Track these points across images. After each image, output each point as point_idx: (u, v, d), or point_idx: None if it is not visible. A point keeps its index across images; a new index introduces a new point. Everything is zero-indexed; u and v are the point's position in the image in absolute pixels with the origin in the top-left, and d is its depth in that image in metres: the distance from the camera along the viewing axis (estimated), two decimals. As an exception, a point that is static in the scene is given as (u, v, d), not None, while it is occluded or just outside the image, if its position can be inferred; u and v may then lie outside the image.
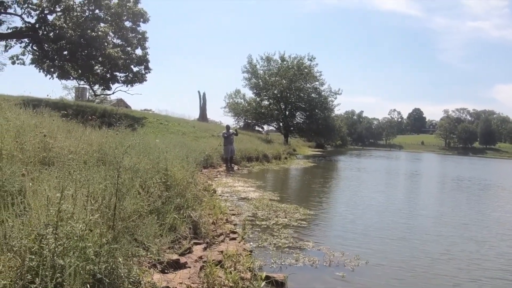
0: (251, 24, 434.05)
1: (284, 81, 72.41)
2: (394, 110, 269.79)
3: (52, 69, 43.30)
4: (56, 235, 4.66)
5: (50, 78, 43.90)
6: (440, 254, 11.20)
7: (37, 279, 4.32)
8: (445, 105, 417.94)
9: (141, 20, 45.61)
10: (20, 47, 41.79)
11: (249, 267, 8.40)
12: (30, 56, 42.49)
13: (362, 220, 15.32)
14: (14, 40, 41.40)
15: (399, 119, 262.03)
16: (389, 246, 11.82)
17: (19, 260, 4.50)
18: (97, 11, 42.99)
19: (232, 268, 7.99)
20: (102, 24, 43.24)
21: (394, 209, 18.41)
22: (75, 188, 5.73)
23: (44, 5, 39.83)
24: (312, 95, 75.11)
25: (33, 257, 4.49)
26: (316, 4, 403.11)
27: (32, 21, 40.36)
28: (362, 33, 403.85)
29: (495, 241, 13.23)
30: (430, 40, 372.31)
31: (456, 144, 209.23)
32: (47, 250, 4.51)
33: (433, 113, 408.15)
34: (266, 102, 77.29)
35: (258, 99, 76.93)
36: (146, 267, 6.47)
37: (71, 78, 47.31)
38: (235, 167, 31.57)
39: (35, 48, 41.84)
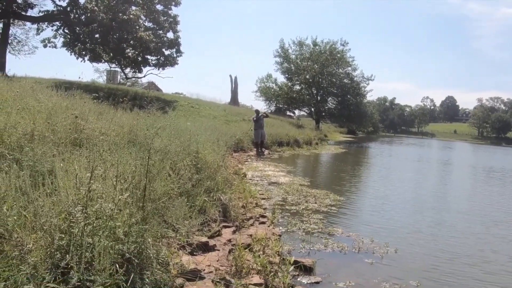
0: (283, 7, 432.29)
1: (316, 66, 72.05)
2: (427, 97, 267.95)
3: (83, 52, 43.62)
4: (86, 214, 4.67)
5: (81, 61, 44.34)
6: (469, 246, 11.08)
7: (67, 256, 4.33)
8: (479, 93, 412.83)
9: (173, 3, 45.69)
10: (52, 30, 42.16)
11: (278, 251, 8.39)
12: (62, 39, 42.80)
13: (392, 208, 15.21)
14: (46, 23, 41.75)
15: (432, 107, 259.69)
16: (419, 235, 11.71)
17: (49, 238, 4.52)
18: (128, -6, 43.10)
19: (261, 252, 7.98)
20: (133, 7, 43.37)
21: (425, 198, 18.27)
22: (104, 168, 5.74)
23: (76, -12, 40.04)
24: (344, 80, 74.74)
25: (63, 235, 4.51)
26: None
27: (64, 4, 40.60)
28: (395, 18, 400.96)
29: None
30: (465, 27, 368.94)
31: (489, 134, 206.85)
32: (76, 228, 4.52)
33: (466, 101, 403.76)
34: (297, 87, 77.20)
35: (289, 83, 76.80)
36: (175, 248, 6.47)
37: (103, 61, 47.66)
38: (266, 152, 31.53)
39: (66, 31, 42.10)
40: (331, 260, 8.91)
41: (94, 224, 4.67)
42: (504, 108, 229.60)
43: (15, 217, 4.73)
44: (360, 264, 8.85)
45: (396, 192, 18.65)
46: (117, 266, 4.56)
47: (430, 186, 22.64)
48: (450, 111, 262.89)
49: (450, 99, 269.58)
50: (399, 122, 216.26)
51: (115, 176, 5.68)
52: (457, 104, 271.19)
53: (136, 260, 4.87)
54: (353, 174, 25.06)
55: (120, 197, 5.14)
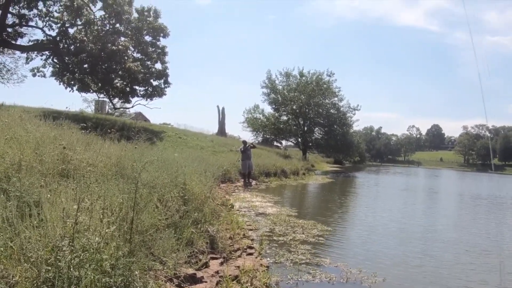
0: (269, 39, 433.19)
1: (303, 97, 72.48)
2: (413, 126, 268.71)
3: (72, 82, 43.69)
4: (72, 247, 4.67)
5: (70, 91, 44.31)
6: (458, 273, 11.11)
7: (53, 290, 4.32)
8: (464, 121, 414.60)
9: (161, 34, 45.91)
10: (41, 59, 42.20)
11: (266, 283, 8.38)
12: (51, 69, 42.88)
13: (379, 238, 15.24)
14: (35, 52, 41.79)
15: (418, 135, 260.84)
16: (407, 265, 11.72)
17: (36, 271, 4.52)
18: (117, 25, 43.30)
19: (249, 284, 7.98)
20: (122, 38, 43.60)
21: (412, 228, 18.26)
22: (91, 201, 5.74)
23: (65, 19, 40.27)
24: (331, 110, 75.16)
25: (50, 268, 4.50)
26: (334, 19, 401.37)
27: (53, 34, 40.77)
28: (380, 48, 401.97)
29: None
30: (450, 55, 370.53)
31: (475, 161, 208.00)
32: (63, 262, 4.51)
33: (452, 129, 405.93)
34: (284, 118, 77.45)
35: (276, 114, 77.03)
36: (162, 281, 6.45)
37: (91, 91, 47.62)
38: (253, 182, 31.50)
39: (55, 60, 42.20)
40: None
41: (81, 257, 4.67)
42: (489, 135, 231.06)
43: (1, 248, 4.73)
44: (348, 294, 8.85)
45: (383, 222, 18.66)
46: (104, 299, 4.55)
47: (417, 216, 22.62)
48: (436, 139, 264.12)
49: (435, 127, 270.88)
50: (385, 151, 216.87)
51: (102, 209, 5.69)
52: (442, 132, 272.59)
53: (123, 293, 4.86)
54: (340, 204, 25.05)
55: (106, 230, 5.13)
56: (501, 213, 26.65)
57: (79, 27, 41.33)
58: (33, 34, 41.39)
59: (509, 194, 45.17)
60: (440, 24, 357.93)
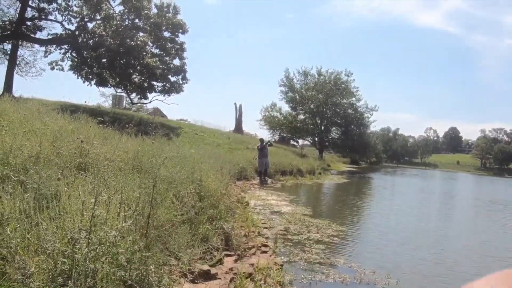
0: (287, 38, 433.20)
1: (321, 96, 72.36)
2: (431, 128, 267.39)
3: (90, 76, 43.79)
4: (89, 240, 4.69)
5: (88, 85, 44.40)
6: (471, 275, 11.02)
7: (69, 282, 4.33)
8: (482, 124, 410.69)
9: (180, 31, 45.95)
10: (60, 53, 42.28)
11: (279, 281, 8.37)
12: (69, 63, 42.99)
13: (394, 239, 15.21)
14: (54, 46, 41.89)
15: (435, 138, 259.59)
16: (421, 266, 11.70)
17: (52, 262, 4.53)
18: (136, 20, 43.39)
19: (262, 282, 7.98)
20: (141, 34, 43.63)
21: (428, 232, 18.21)
22: (109, 194, 5.76)
23: (85, 13, 40.34)
24: (348, 110, 74.94)
25: (66, 260, 4.52)
26: (352, 20, 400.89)
27: (72, 28, 40.87)
28: (399, 49, 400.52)
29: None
30: (468, 58, 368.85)
31: (492, 165, 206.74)
32: (79, 254, 4.53)
33: (469, 132, 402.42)
34: (302, 116, 77.23)
35: (294, 113, 76.89)
36: (176, 276, 6.47)
37: (109, 85, 47.74)
38: (269, 181, 31.45)
39: (74, 54, 42.32)
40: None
41: (97, 250, 4.69)
42: (507, 139, 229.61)
43: (19, 240, 4.75)
44: (361, 295, 8.83)
45: (398, 225, 18.58)
46: (119, 292, 4.57)
47: (432, 220, 22.48)
48: (453, 142, 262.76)
49: (453, 130, 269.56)
50: (402, 152, 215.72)
51: (119, 203, 5.70)
52: (460, 135, 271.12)
53: (138, 287, 4.88)
54: (355, 205, 24.98)
55: (123, 224, 5.15)
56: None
57: (98, 21, 41.37)
58: (52, 28, 41.39)
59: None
60: (460, 26, 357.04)
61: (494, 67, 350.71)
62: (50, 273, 4.49)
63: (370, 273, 10.28)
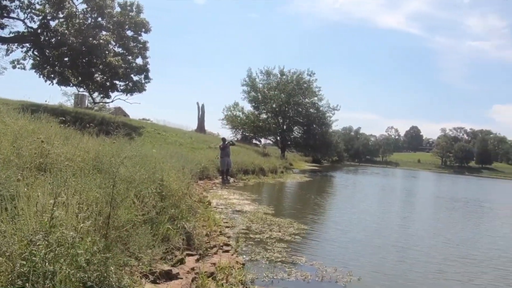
0: (252, 38, 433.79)
1: (283, 95, 72.66)
2: (392, 127, 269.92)
3: (52, 75, 43.41)
4: (48, 242, 4.66)
5: (50, 84, 44.04)
6: (433, 274, 11.20)
7: (27, 284, 4.31)
8: (443, 123, 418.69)
9: (143, 30, 45.80)
10: (22, 51, 41.91)
11: (241, 280, 8.41)
12: (31, 61, 42.64)
13: (356, 238, 15.34)
14: (16, 44, 41.49)
15: (396, 137, 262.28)
16: (382, 263, 11.85)
17: (10, 265, 4.50)
18: (99, 19, 43.12)
19: (224, 281, 8.01)
20: (104, 32, 43.39)
21: (388, 226, 18.46)
22: (68, 195, 5.74)
23: (47, 11, 40.00)
24: (310, 110, 75.31)
25: (24, 262, 4.49)
26: (316, 20, 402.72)
27: (35, 26, 40.52)
28: (362, 50, 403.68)
29: (486, 260, 13.25)
30: (430, 59, 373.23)
31: (452, 163, 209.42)
32: (38, 256, 4.50)
33: (430, 132, 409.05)
34: (264, 116, 77.37)
35: (256, 112, 77.07)
36: (137, 277, 6.46)
37: (71, 84, 47.37)
38: (231, 180, 31.50)
39: (36, 53, 41.95)
40: (294, 290, 8.94)
41: (56, 252, 4.67)
42: (467, 138, 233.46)
43: (-24, 242, 4.71)
44: (323, 293, 8.89)
45: (359, 223, 18.73)
46: (79, 294, 4.55)
47: (394, 218, 22.68)
48: (414, 141, 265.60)
49: (414, 129, 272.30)
50: (363, 151, 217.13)
51: (78, 203, 5.68)
52: (421, 134, 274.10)
53: (97, 288, 4.87)
54: (317, 203, 25.10)
55: (82, 225, 5.14)
56: (478, 217, 26.83)
57: (61, 20, 41.06)
58: (14, 25, 40.95)
59: (485, 197, 45.57)
60: (422, 28, 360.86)
61: (455, 68, 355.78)
62: (9, 275, 4.46)
63: (332, 271, 10.38)
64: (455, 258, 13.15)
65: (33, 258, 4.50)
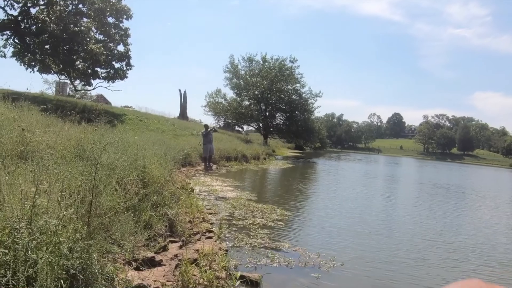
0: (233, 24, 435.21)
1: (265, 82, 72.69)
2: (374, 114, 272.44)
3: (33, 63, 43.20)
4: (30, 230, 4.65)
5: (30, 72, 43.93)
6: (416, 260, 11.27)
7: (8, 272, 4.30)
8: (425, 110, 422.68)
9: (124, 16, 45.62)
10: (2, 39, 41.67)
11: (225, 266, 8.41)
12: (12, 49, 42.38)
13: (338, 223, 15.40)
14: (-4, 32, 41.20)
15: (379, 123, 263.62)
16: (365, 249, 11.91)
17: (-7, 253, 4.48)
18: (80, 6, 42.94)
19: (208, 267, 8.01)
20: (85, 19, 43.22)
21: (371, 213, 18.51)
22: (50, 183, 5.71)
23: (27, -2, 39.69)
24: (293, 96, 75.41)
25: (7, 251, 4.47)
26: (298, 7, 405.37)
27: (15, 13, 40.28)
28: (344, 37, 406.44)
29: (469, 247, 13.35)
30: (412, 46, 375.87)
31: (435, 150, 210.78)
32: (20, 244, 4.49)
33: (412, 118, 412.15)
34: (246, 103, 77.37)
35: (238, 99, 76.97)
36: (120, 264, 6.46)
37: (52, 72, 47.21)
38: (214, 166, 31.54)
39: (16, 41, 41.69)
40: (277, 274, 8.97)
41: (39, 240, 4.65)
42: (448, 124, 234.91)
43: (-43, 231, 4.68)
44: (306, 278, 8.92)
45: (342, 209, 18.77)
46: (62, 282, 4.54)
47: (376, 204, 22.79)
48: (396, 127, 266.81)
49: (396, 116, 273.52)
50: (346, 138, 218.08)
51: (60, 191, 5.66)
52: (403, 120, 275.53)
53: (81, 276, 4.87)
54: (300, 190, 25.16)
55: (64, 212, 5.12)
56: (460, 203, 27.00)
57: (42, 7, 40.77)
58: (-6, 13, 40.78)
59: (467, 183, 45.89)
60: (404, 15, 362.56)
61: (437, 55, 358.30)
62: (-9, 264, 4.45)
63: (315, 256, 10.42)
64: (438, 245, 13.23)
65: (16, 246, 4.49)
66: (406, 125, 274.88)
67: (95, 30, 44.83)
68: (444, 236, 14.94)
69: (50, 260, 4.51)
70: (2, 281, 4.26)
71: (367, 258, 10.99)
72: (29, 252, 4.50)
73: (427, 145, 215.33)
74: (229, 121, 78.09)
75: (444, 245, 13.36)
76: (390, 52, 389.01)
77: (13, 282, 4.26)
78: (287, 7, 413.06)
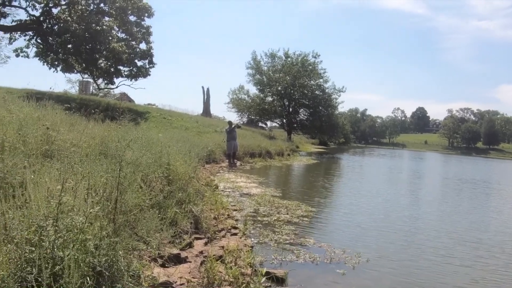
0: (255, 20, 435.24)
1: (288, 78, 72.55)
2: (398, 108, 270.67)
3: (56, 62, 43.44)
4: (56, 227, 4.66)
5: (54, 71, 44.22)
6: (441, 257, 11.14)
7: (34, 269, 4.31)
8: (449, 104, 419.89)
9: (146, 14, 45.74)
10: (24, 40, 42.01)
11: (250, 263, 8.39)
12: (34, 49, 42.77)
13: (363, 219, 15.29)
14: (19, 32, 41.57)
15: (403, 118, 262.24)
16: (390, 245, 11.80)
17: (19, 251, 4.50)
18: (102, 5, 43.13)
19: (233, 264, 7.99)
20: (106, 18, 43.40)
21: (396, 209, 18.34)
22: (75, 181, 5.73)
23: (49, -2, 39.91)
24: (316, 92, 75.35)
25: (33, 249, 4.49)
26: (320, 1, 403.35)
27: (37, 14, 40.56)
28: (366, 31, 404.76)
29: (496, 245, 13.17)
30: (435, 39, 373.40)
31: (460, 144, 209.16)
32: (47, 242, 4.50)
33: (437, 113, 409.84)
34: (269, 99, 77.49)
35: (261, 95, 77.13)
36: (146, 261, 6.47)
37: (75, 71, 47.51)
38: (238, 163, 31.51)
39: (39, 41, 41.99)
40: (303, 271, 8.92)
41: (65, 237, 4.66)
42: (473, 118, 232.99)
43: (-15, 230, 4.71)
44: (331, 274, 8.86)
45: (368, 205, 18.62)
46: (88, 279, 4.55)
47: (402, 200, 22.56)
48: (420, 122, 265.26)
49: (420, 110, 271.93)
50: (370, 133, 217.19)
51: (86, 189, 5.68)
52: (427, 115, 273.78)
53: (107, 273, 4.87)
54: (324, 186, 25.10)
55: (90, 210, 5.13)
56: (487, 199, 26.66)
57: (63, 7, 41.03)
58: (16, 14, 41.46)
59: (493, 178, 45.36)
60: (426, 7, 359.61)
61: (460, 48, 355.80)
62: (18, 262, 4.46)
63: (340, 252, 10.37)
64: (466, 242, 13.03)
65: (42, 243, 4.50)
66: (430, 119, 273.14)
67: (117, 29, 45.01)
68: (471, 233, 14.71)
69: (76, 257, 4.52)
70: (28, 278, 4.28)
71: (393, 255, 10.90)
72: (55, 249, 4.52)
73: (452, 139, 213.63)
74: (252, 117, 78.11)
75: (472, 242, 13.16)
76: (413, 45, 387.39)
77: (39, 279, 4.27)
78: (308, 1, 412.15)
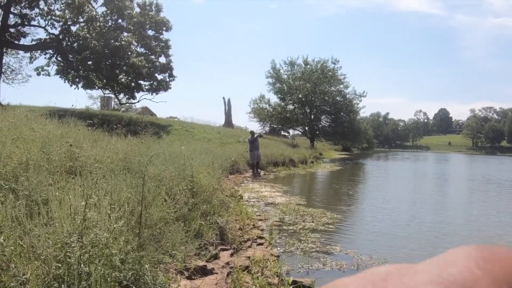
0: (273, 29, 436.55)
1: (308, 85, 72.43)
2: (420, 111, 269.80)
3: (77, 79, 43.86)
4: (82, 243, 4.69)
5: (75, 88, 44.70)
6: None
7: (63, 286, 4.34)
8: (472, 104, 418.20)
9: (164, 28, 45.97)
10: (45, 58, 42.48)
11: (277, 272, 8.39)
12: (55, 67, 43.26)
13: (389, 225, 15.20)
14: (39, 51, 41.99)
15: (425, 120, 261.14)
16: (417, 251, 11.69)
17: (46, 268, 4.53)
18: (120, 20, 43.40)
19: (259, 274, 8.00)
20: (125, 34, 43.67)
21: (422, 215, 18.18)
22: (99, 196, 5.77)
23: (67, 16, 40.35)
24: (337, 98, 75.20)
25: (60, 265, 4.52)
26: (337, 7, 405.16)
27: (56, 32, 40.98)
28: (384, 34, 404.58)
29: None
30: (453, 39, 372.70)
31: (484, 144, 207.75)
32: (73, 258, 4.53)
33: (459, 113, 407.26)
34: (291, 107, 77.47)
35: (283, 103, 77.11)
36: (172, 273, 6.48)
37: (96, 87, 47.88)
38: (262, 173, 31.46)
39: (59, 59, 42.37)
40: (330, 278, 8.82)
41: (91, 253, 4.69)
42: (497, 117, 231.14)
43: (12, 247, 4.74)
44: (359, 281, 8.82)
45: (392, 210, 18.52)
46: (115, 293, 4.57)
47: (427, 204, 22.34)
48: (443, 123, 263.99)
49: (443, 111, 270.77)
50: (393, 136, 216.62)
51: (110, 204, 5.71)
52: (450, 116, 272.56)
53: (133, 287, 4.89)
54: (349, 192, 24.96)
55: (115, 225, 5.16)
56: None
57: (82, 24, 41.39)
58: (36, 33, 41.86)
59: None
60: (443, 7, 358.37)
61: (478, 46, 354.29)
62: (45, 278, 4.49)
63: (367, 259, 10.31)
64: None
65: (68, 260, 4.53)
66: (453, 120, 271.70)
67: (136, 44, 45.24)
68: (501, 238, 14.57)
69: (102, 272, 4.54)
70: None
71: (420, 261, 10.82)
72: (81, 265, 4.55)
73: (476, 139, 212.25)
74: (274, 126, 78.07)
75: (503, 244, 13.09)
76: (431, 46, 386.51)
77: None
78: (325, 7, 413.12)
